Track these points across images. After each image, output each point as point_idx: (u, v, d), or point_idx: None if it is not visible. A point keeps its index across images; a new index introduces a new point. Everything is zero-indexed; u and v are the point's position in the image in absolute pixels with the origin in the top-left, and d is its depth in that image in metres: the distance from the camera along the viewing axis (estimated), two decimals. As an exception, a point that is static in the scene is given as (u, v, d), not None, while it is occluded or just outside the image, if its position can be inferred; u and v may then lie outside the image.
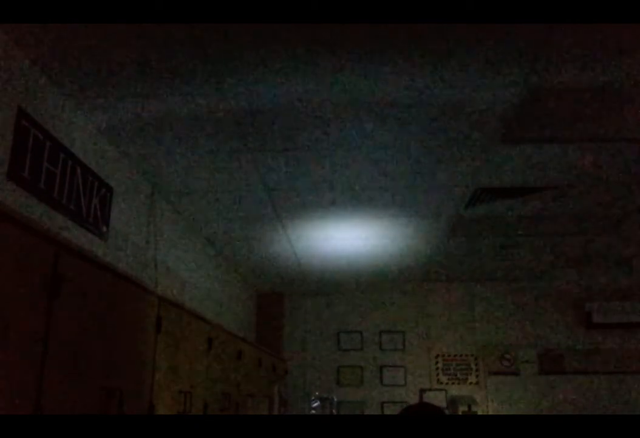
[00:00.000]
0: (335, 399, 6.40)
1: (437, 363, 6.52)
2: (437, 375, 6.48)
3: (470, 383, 6.43)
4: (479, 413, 6.13)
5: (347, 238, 4.78)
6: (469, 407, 6.11)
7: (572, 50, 2.19)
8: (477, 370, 6.45)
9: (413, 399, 6.30)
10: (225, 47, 2.15)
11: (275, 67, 2.29)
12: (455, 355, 6.53)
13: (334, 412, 6.36)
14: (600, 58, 2.24)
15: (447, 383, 6.44)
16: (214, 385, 3.13)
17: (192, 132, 2.86)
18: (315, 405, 6.38)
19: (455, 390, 6.40)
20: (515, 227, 4.48)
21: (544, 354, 6.40)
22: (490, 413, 6.22)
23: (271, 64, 2.26)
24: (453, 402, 6.25)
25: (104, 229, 2.90)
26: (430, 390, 6.40)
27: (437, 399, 6.26)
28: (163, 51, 2.17)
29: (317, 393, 6.43)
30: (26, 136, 2.20)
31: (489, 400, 6.29)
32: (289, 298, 6.89)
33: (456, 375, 6.46)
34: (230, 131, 2.85)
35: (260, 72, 2.32)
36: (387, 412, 6.37)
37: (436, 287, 6.68)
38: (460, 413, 6.03)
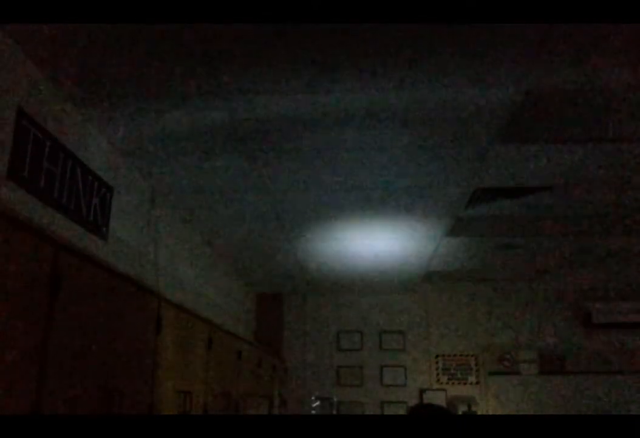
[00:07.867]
0: (335, 399, 6.41)
1: (437, 363, 6.52)
2: (437, 375, 6.48)
3: (470, 383, 6.42)
4: (479, 413, 6.13)
5: (347, 238, 4.78)
6: (469, 407, 6.11)
7: (570, 51, 2.19)
8: (477, 370, 6.45)
9: (413, 399, 6.30)
10: (227, 59, 2.15)
11: (275, 79, 2.29)
12: (455, 355, 6.53)
13: (334, 412, 6.36)
14: (599, 58, 2.24)
15: (447, 383, 6.44)
16: (214, 385, 3.13)
17: (192, 134, 2.86)
18: (315, 405, 6.38)
19: (455, 390, 6.40)
20: (515, 227, 4.48)
21: (544, 354, 6.40)
22: (490, 413, 6.22)
23: (271, 76, 2.26)
24: (453, 402, 6.25)
25: (104, 229, 2.90)
26: (430, 390, 6.41)
27: (437, 399, 6.26)
28: (163, 58, 2.17)
29: (317, 393, 6.43)
30: (26, 136, 2.20)
31: (489, 400, 6.29)
32: (288, 298, 6.89)
33: (456, 375, 6.46)
34: (230, 132, 2.85)
35: (261, 81, 2.32)
36: (387, 412, 6.37)
37: (436, 287, 6.68)
38: (460, 413, 6.03)
